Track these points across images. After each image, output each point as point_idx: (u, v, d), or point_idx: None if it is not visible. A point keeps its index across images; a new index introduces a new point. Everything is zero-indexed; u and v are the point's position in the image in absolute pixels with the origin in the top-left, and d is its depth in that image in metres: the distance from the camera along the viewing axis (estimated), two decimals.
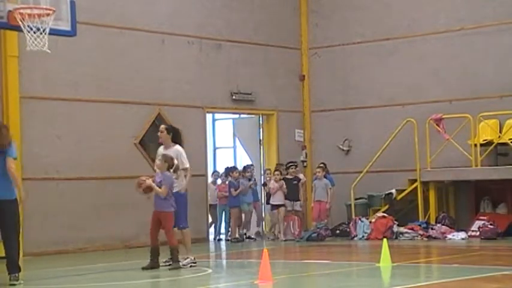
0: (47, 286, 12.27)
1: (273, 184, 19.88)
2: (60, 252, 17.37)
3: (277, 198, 19.90)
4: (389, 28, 21.39)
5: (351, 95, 21.96)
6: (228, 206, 20.14)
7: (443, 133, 19.57)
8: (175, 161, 13.68)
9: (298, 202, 20.32)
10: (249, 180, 20.20)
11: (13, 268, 11.77)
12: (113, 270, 14.03)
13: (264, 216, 21.16)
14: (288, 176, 20.24)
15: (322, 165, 20.60)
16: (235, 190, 19.89)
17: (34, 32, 13.06)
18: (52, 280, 13.05)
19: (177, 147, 13.88)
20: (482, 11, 20.16)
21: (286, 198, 20.03)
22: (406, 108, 20.86)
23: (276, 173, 20.07)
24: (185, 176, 13.84)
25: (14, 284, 11.66)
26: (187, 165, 13.75)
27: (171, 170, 13.54)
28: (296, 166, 20.65)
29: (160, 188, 13.34)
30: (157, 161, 13.71)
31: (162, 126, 14.27)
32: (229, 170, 20.31)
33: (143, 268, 13.40)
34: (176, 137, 14.05)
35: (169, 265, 13.51)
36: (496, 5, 20.02)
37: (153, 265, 13.46)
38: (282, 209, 19.89)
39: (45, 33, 13.11)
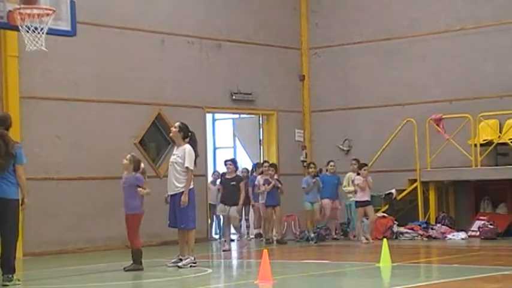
0: (47, 286, 12.26)
1: (358, 179, 18.55)
2: (60, 252, 17.36)
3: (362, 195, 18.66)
4: (389, 28, 21.39)
5: (351, 95, 21.95)
6: (266, 204, 19.01)
7: (443, 133, 19.58)
8: (142, 165, 13.70)
9: (235, 207, 17.18)
10: (315, 176, 19.36)
11: (8, 269, 11.69)
12: (112, 270, 14.00)
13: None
14: (227, 176, 17.59)
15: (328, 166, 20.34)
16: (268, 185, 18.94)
17: (33, 31, 13.04)
18: (52, 280, 13.04)
19: (186, 146, 13.78)
20: (482, 11, 20.16)
21: (221, 201, 17.53)
22: (406, 108, 20.86)
23: (365, 168, 18.56)
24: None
25: (7, 285, 11.59)
26: (187, 165, 13.59)
27: (137, 173, 13.50)
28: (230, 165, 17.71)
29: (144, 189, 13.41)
30: (125, 160, 13.65)
31: (176, 124, 14.08)
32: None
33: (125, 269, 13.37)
34: (189, 138, 13.87)
35: (132, 266, 13.42)
36: (496, 5, 20.03)
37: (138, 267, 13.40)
38: (370, 207, 18.58)
39: (42, 33, 13.10)
